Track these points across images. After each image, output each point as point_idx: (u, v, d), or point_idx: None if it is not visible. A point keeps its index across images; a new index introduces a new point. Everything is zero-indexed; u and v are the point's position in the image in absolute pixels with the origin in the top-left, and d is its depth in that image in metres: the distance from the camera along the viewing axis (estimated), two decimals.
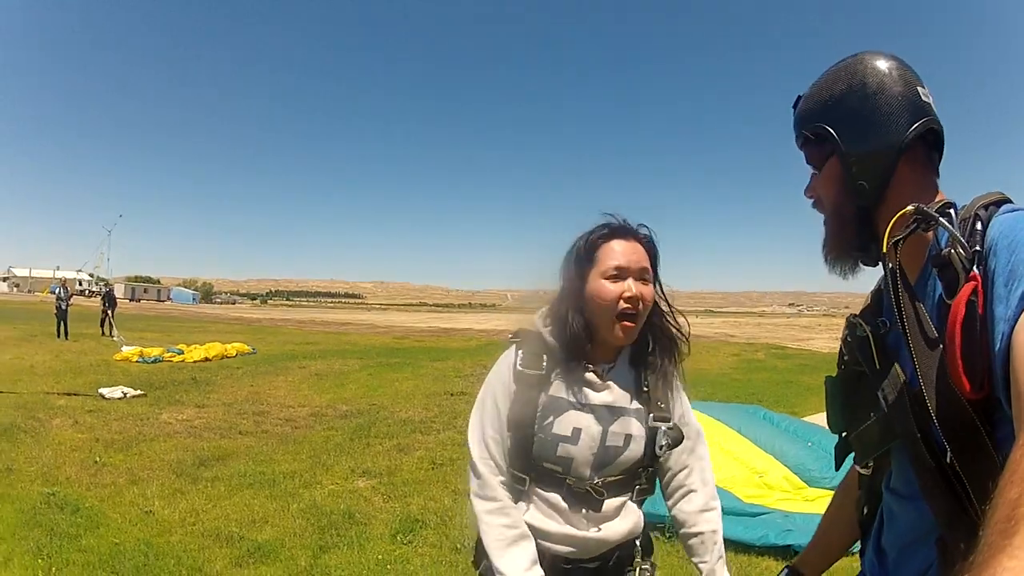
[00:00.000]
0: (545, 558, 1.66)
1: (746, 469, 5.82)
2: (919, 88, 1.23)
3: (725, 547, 1.79)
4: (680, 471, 1.82)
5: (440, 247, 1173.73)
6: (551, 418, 1.66)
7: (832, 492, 1.64)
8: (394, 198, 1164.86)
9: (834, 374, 1.39)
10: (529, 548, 1.63)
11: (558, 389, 1.68)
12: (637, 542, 1.78)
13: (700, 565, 1.76)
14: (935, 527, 1.07)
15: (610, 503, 1.69)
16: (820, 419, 4.42)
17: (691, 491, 1.81)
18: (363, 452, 7.65)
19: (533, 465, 1.68)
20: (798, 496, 5.40)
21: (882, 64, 1.25)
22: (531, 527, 1.67)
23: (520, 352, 1.71)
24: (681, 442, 1.74)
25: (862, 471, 1.37)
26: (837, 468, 1.46)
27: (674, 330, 1.78)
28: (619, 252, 1.66)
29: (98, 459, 6.85)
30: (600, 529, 1.68)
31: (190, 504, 5.56)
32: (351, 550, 4.71)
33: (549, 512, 1.68)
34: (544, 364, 1.68)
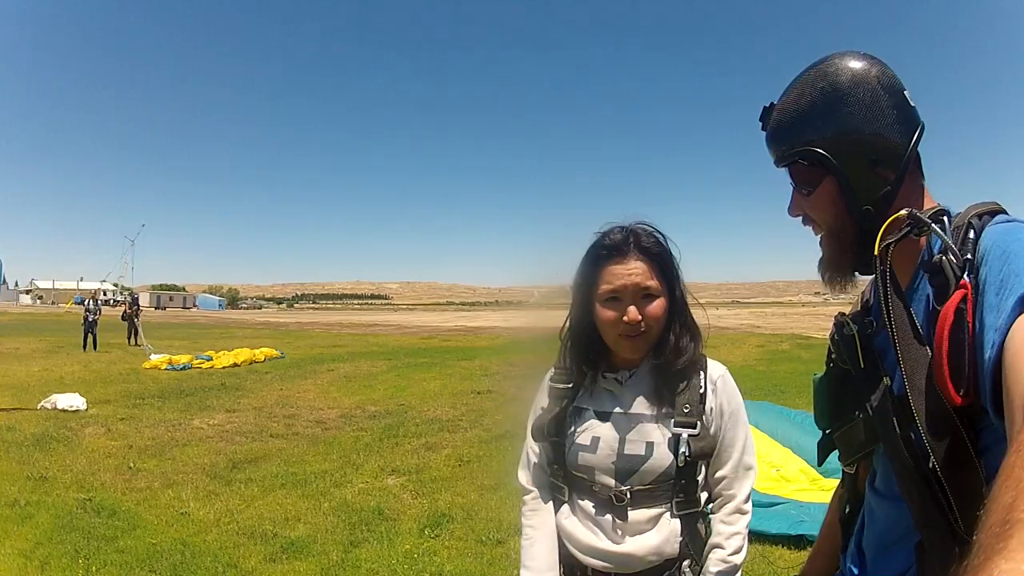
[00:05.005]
0: (585, 574, 1.67)
1: (763, 463, 5.85)
2: (905, 92, 1.20)
3: None
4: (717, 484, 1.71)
5: (466, 245, 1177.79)
6: (574, 427, 1.70)
7: None
8: (419, 198, 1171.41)
9: (822, 372, 1.38)
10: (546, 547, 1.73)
11: (582, 400, 1.73)
12: (686, 565, 1.62)
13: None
14: (914, 529, 1.07)
15: (640, 513, 1.61)
16: None
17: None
18: (392, 451, 7.75)
19: (567, 473, 1.71)
20: (814, 487, 5.42)
21: (866, 70, 1.19)
22: (570, 536, 1.69)
23: (553, 368, 1.80)
24: (711, 455, 1.65)
25: (846, 470, 1.37)
26: (820, 464, 1.46)
27: (692, 331, 1.72)
28: (613, 277, 1.63)
29: (132, 465, 6.99)
30: (626, 541, 1.61)
31: (224, 505, 5.69)
32: (381, 544, 4.80)
33: (584, 520, 1.67)
34: (572, 376, 1.74)
